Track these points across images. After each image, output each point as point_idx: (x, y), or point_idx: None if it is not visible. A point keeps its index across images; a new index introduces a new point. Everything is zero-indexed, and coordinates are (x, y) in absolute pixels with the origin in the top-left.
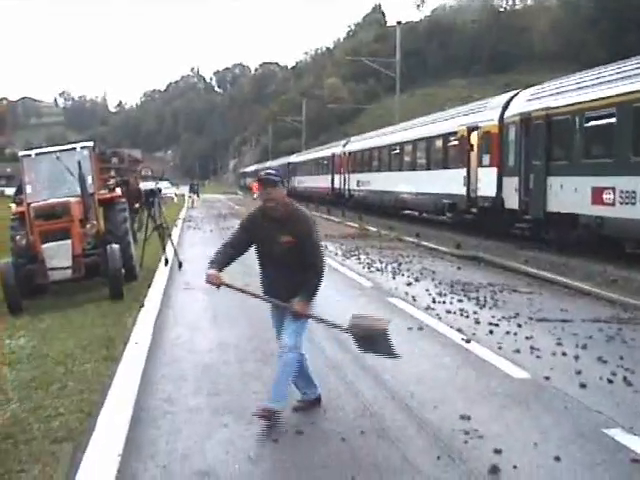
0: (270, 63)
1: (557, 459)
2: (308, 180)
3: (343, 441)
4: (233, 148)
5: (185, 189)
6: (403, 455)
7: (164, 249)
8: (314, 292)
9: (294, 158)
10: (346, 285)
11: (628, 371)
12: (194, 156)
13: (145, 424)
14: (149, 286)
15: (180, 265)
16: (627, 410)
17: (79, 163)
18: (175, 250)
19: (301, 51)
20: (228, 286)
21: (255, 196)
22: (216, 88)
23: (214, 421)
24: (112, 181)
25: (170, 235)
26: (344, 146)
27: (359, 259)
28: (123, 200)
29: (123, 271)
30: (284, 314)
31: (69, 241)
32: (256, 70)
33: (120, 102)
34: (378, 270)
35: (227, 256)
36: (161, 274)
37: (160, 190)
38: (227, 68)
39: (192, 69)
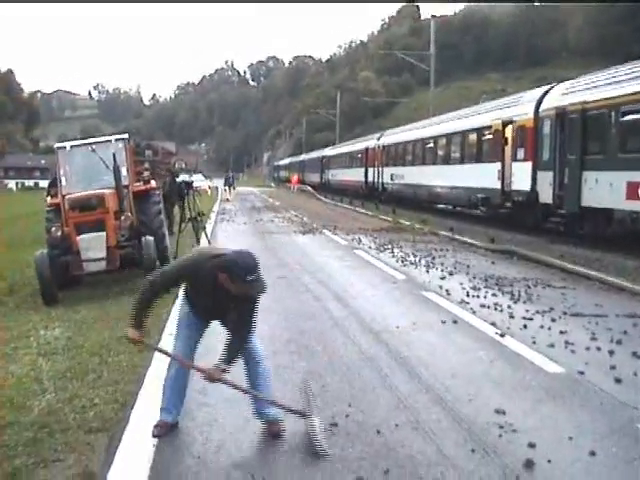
0: (304, 56)
1: (592, 454)
2: (342, 173)
3: (378, 434)
4: (267, 141)
5: (219, 182)
6: (438, 448)
7: (198, 241)
8: (234, 359)
9: (328, 151)
10: (380, 278)
11: None
12: (228, 149)
13: (180, 415)
14: None
15: None
16: None
17: (114, 155)
18: (209, 242)
19: (335, 44)
20: (147, 345)
21: (292, 189)
22: (250, 81)
23: (249, 412)
24: (146, 173)
25: (204, 227)
26: (378, 139)
27: (393, 253)
28: (157, 192)
29: (158, 263)
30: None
31: (104, 233)
32: (290, 63)
33: (154, 95)
34: (412, 264)
35: (149, 310)
36: None
37: (190, 185)
38: (261, 61)
39: (226, 62)
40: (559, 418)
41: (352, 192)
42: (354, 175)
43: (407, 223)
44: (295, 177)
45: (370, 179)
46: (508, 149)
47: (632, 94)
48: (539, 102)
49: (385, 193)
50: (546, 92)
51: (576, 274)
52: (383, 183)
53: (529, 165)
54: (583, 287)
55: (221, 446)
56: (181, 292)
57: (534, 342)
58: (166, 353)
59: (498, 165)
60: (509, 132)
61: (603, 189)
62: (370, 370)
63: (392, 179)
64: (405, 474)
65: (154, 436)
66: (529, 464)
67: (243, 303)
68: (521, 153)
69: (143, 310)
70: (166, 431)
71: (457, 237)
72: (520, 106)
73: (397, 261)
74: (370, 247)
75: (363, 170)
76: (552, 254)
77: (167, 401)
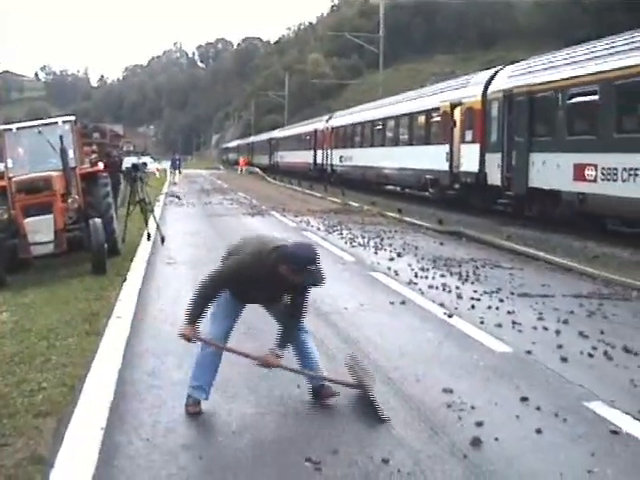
0: (253, 38)
1: (538, 432)
2: (291, 155)
3: (326, 414)
4: (216, 123)
5: (168, 164)
6: (386, 428)
7: (146, 224)
8: (288, 343)
9: (277, 133)
10: (329, 260)
11: (609, 346)
12: (177, 131)
13: (129, 397)
14: (132, 260)
15: (162, 240)
16: (607, 384)
17: (61, 137)
18: (157, 225)
19: (284, 26)
20: (202, 340)
21: (240, 171)
22: (199, 63)
23: None
24: (94, 155)
25: (152, 210)
26: (327, 121)
27: (341, 234)
28: (105, 174)
29: (106, 246)
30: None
31: (51, 215)
32: (239, 45)
33: (102, 77)
34: (360, 245)
35: (206, 309)
36: (143, 249)
37: (145, 164)
38: (210, 43)
39: (174, 44)
40: (506, 397)
41: (301, 174)
42: (303, 157)
43: (356, 205)
44: (242, 159)
45: (319, 161)
46: (456, 131)
47: (578, 77)
48: (487, 84)
49: (334, 175)
50: (494, 74)
51: (524, 255)
52: (332, 165)
53: (477, 147)
54: (531, 268)
55: (170, 428)
56: None
57: (482, 322)
58: (220, 347)
59: (446, 147)
60: (457, 114)
61: (550, 171)
62: (319, 351)
63: (341, 161)
64: (354, 453)
65: (191, 414)
66: (476, 442)
67: (299, 292)
68: (469, 135)
69: (200, 309)
70: (200, 409)
71: (406, 219)
72: (468, 88)
73: (346, 242)
74: (319, 228)
75: (312, 152)
76: (500, 235)
77: (202, 379)
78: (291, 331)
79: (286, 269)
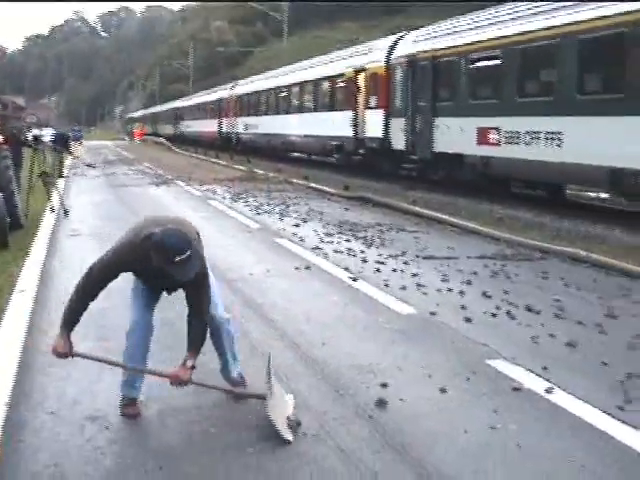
0: (157, 7)
1: (443, 391)
2: (196, 124)
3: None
4: (120, 94)
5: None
6: (292, 392)
7: (49, 197)
8: (201, 346)
9: (181, 103)
10: (235, 228)
11: (511, 305)
12: (80, 102)
13: (33, 371)
14: (35, 234)
15: (66, 212)
16: (510, 342)
17: None
18: (61, 198)
19: None
20: (82, 356)
21: (137, 141)
22: (101, 32)
23: (104, 365)
24: None
25: (55, 184)
26: (231, 89)
27: (247, 202)
28: (5, 147)
29: (8, 220)
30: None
31: None
32: (142, 13)
33: (1, 47)
34: (266, 212)
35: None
36: (47, 222)
37: (69, 137)
38: (112, 11)
39: (75, 12)
40: (411, 358)
41: (207, 143)
42: (208, 126)
43: (262, 172)
44: (137, 130)
45: (224, 129)
46: (360, 97)
47: (480, 42)
48: (391, 50)
49: (240, 143)
50: (398, 40)
51: (429, 218)
52: (237, 133)
53: (381, 112)
54: (436, 231)
55: (76, 400)
56: None
57: (387, 285)
58: (111, 363)
59: (350, 113)
60: (361, 80)
61: (454, 135)
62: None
63: (246, 129)
64: (259, 418)
65: (128, 415)
66: (381, 403)
67: (188, 286)
68: (373, 101)
69: (74, 314)
70: (139, 410)
71: (312, 185)
72: (372, 54)
73: (251, 210)
74: (224, 197)
75: (217, 121)
76: (406, 200)
77: (130, 374)
78: (198, 330)
79: (157, 259)
